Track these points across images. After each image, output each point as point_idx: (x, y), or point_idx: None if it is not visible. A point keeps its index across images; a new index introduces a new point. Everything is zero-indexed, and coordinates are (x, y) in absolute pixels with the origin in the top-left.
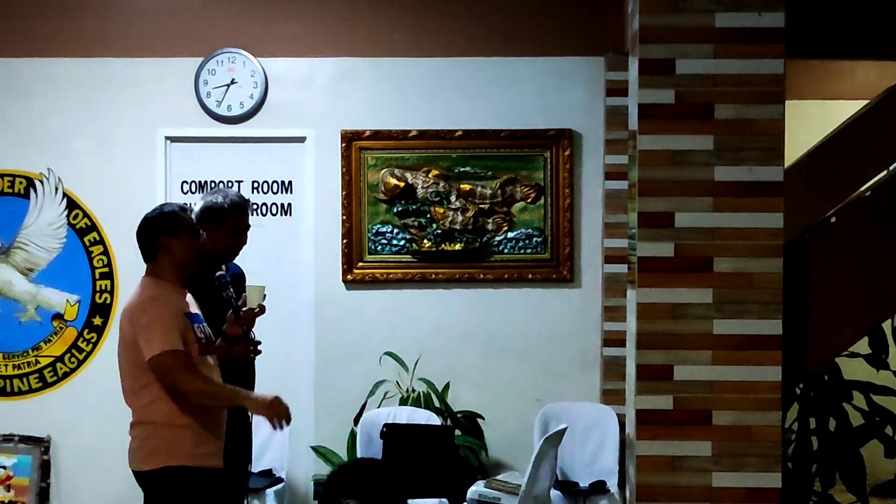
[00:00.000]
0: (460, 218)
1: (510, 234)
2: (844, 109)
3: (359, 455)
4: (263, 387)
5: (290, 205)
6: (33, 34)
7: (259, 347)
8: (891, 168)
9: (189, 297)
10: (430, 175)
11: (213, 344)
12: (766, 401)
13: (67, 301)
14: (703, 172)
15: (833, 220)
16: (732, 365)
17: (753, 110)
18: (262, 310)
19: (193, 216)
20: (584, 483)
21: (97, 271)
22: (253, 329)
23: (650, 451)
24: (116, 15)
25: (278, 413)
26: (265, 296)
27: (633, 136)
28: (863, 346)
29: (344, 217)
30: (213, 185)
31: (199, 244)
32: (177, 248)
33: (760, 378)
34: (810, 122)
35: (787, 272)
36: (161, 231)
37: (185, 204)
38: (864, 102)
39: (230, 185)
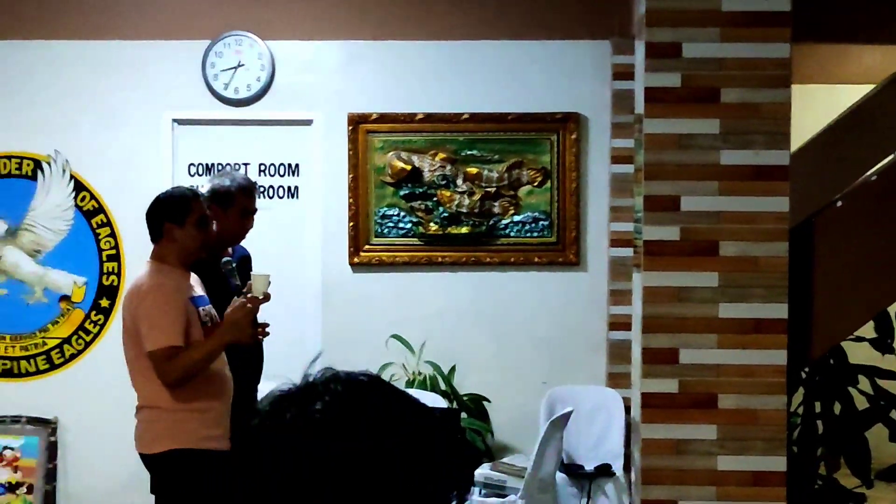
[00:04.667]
0: (467, 201)
1: (517, 218)
2: (851, 94)
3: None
4: (270, 368)
5: (296, 188)
6: (40, 16)
7: (267, 330)
8: None
9: (194, 279)
10: (437, 158)
11: (218, 326)
12: (772, 384)
13: (75, 283)
14: (709, 156)
15: (839, 204)
16: (738, 349)
17: (760, 94)
18: (266, 298)
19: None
20: (589, 466)
21: (104, 253)
22: (257, 315)
23: (655, 435)
24: None
25: (242, 328)
26: (270, 283)
27: (639, 119)
28: (868, 330)
29: (351, 200)
30: (220, 167)
31: (204, 235)
32: (180, 237)
33: (766, 362)
34: (817, 106)
35: (792, 256)
36: (166, 217)
37: (195, 187)
38: (870, 87)
39: (237, 167)
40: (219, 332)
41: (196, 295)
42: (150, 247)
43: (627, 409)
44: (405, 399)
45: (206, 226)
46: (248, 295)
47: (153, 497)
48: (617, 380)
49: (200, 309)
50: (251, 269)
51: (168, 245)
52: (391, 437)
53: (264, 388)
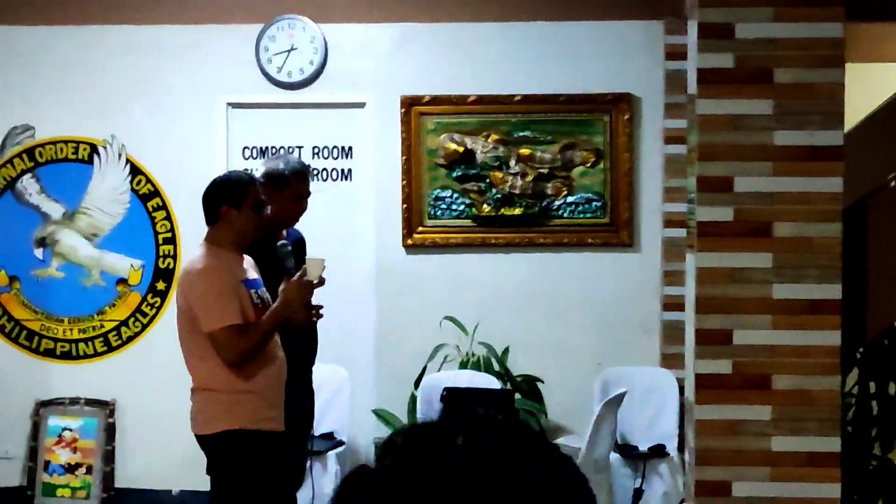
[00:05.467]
0: (520, 182)
1: (570, 199)
2: None
3: (419, 421)
4: (324, 351)
5: (350, 170)
6: (97, 2)
7: (321, 311)
8: None
9: (248, 262)
10: (490, 140)
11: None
12: (826, 365)
13: (131, 266)
14: (762, 137)
15: (893, 184)
16: (792, 329)
17: (813, 74)
18: (321, 282)
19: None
20: (643, 447)
21: (160, 236)
22: (311, 298)
23: (710, 416)
24: None
25: (295, 306)
26: (325, 268)
27: (692, 100)
28: None
29: (404, 182)
30: (273, 151)
31: (260, 219)
32: (236, 220)
33: (820, 342)
34: (871, 85)
35: (846, 237)
36: (224, 200)
37: (250, 171)
38: None
39: (291, 150)
40: (273, 310)
41: (250, 278)
42: (205, 229)
43: (681, 390)
44: (541, 441)
45: (261, 210)
46: (303, 279)
47: (209, 478)
48: (670, 361)
49: (252, 291)
50: (305, 252)
51: (224, 228)
52: (525, 476)
53: (319, 371)
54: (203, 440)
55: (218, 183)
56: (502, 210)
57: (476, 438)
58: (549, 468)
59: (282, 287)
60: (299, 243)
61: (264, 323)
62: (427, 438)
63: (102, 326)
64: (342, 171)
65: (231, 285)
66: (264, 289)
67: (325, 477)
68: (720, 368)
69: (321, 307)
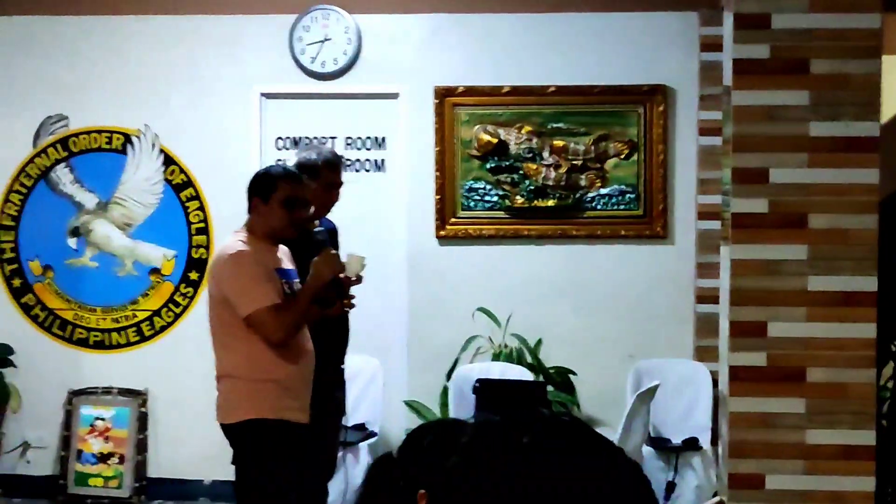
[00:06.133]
0: (553, 174)
1: (603, 191)
2: None
3: (451, 412)
4: (357, 342)
5: (383, 161)
6: None
7: (353, 302)
8: None
9: (284, 252)
10: (523, 131)
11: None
12: (861, 358)
13: (164, 256)
14: (798, 128)
15: None
16: (827, 322)
17: (850, 65)
18: (359, 280)
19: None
20: (676, 440)
21: (193, 227)
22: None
23: (743, 408)
24: None
25: (323, 272)
26: (364, 266)
27: (727, 91)
28: None
29: (437, 173)
30: (307, 141)
31: (292, 217)
32: (264, 213)
33: (855, 335)
34: None
35: (882, 228)
36: (255, 191)
37: (286, 165)
38: None
39: (324, 141)
40: (305, 284)
41: (283, 268)
42: (238, 220)
43: (715, 383)
44: (601, 441)
45: (292, 207)
46: (343, 275)
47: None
48: (704, 353)
49: (283, 282)
50: (338, 242)
51: (255, 218)
52: (591, 479)
53: (351, 362)
54: (226, 429)
55: (257, 174)
56: (535, 201)
57: (542, 439)
58: (612, 472)
59: (313, 261)
60: (332, 233)
61: (300, 299)
62: (494, 436)
63: (135, 316)
64: (375, 161)
65: (261, 269)
66: (298, 281)
67: (356, 468)
68: (754, 361)
69: (353, 297)
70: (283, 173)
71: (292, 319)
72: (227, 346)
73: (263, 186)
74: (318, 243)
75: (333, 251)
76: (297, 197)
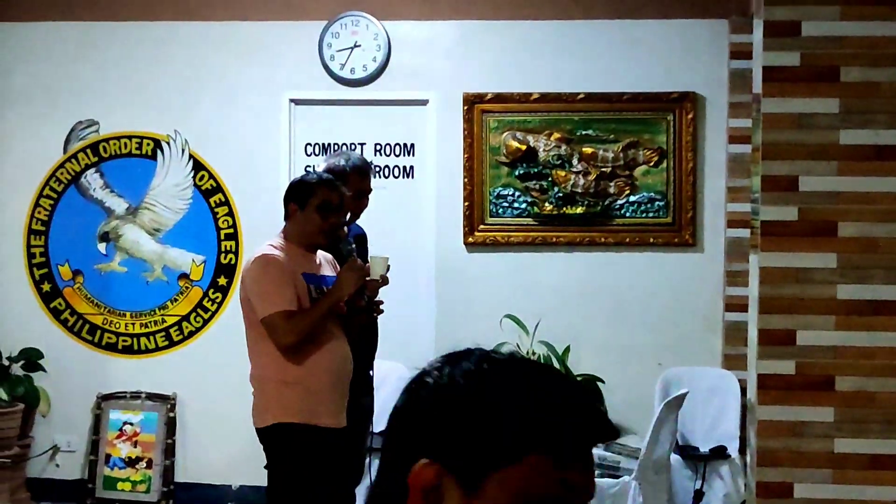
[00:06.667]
0: (582, 181)
1: (632, 198)
2: None
3: None
4: (384, 348)
5: (412, 167)
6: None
7: (381, 307)
8: None
9: (324, 259)
10: (552, 138)
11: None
12: (890, 367)
13: (193, 261)
14: (828, 136)
15: None
16: (856, 330)
17: (880, 73)
18: (384, 281)
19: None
20: (704, 448)
21: (222, 232)
22: (374, 294)
23: (772, 416)
24: None
25: (347, 285)
26: (388, 267)
27: (757, 99)
28: None
29: (466, 180)
30: (336, 147)
31: (328, 224)
32: (301, 219)
33: (885, 343)
34: None
35: None
36: (292, 198)
37: (318, 173)
38: None
39: (353, 147)
40: (327, 292)
41: (316, 273)
42: (267, 226)
43: (743, 391)
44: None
45: (328, 212)
46: (367, 278)
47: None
48: (733, 361)
49: (312, 286)
50: (367, 248)
51: (291, 225)
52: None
53: (379, 368)
54: (259, 433)
55: (292, 182)
56: (564, 209)
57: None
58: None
59: (339, 271)
60: (360, 239)
61: (316, 306)
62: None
63: (164, 321)
64: (404, 168)
65: (286, 275)
66: (325, 287)
67: None
68: (783, 369)
69: (381, 303)
70: (319, 180)
71: (304, 325)
72: (256, 349)
73: (300, 193)
74: (347, 253)
75: (359, 261)
76: (331, 202)
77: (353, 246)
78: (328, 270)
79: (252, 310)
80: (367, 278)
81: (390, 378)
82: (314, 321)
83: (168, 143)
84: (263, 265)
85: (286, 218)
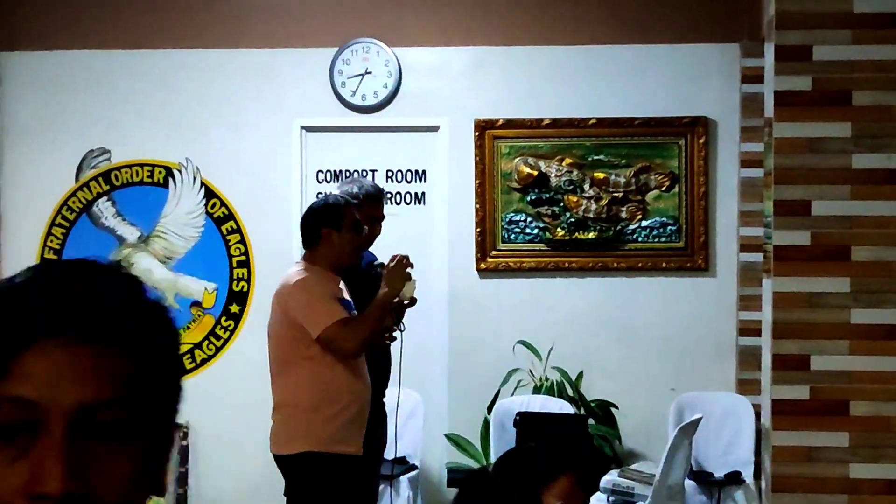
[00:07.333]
0: (594, 206)
1: (644, 223)
2: None
3: (492, 445)
4: (397, 375)
5: (423, 194)
6: (172, 26)
7: (395, 334)
8: None
9: (342, 284)
10: (564, 163)
11: None
12: None
13: (205, 289)
14: (840, 160)
15: None
16: (871, 355)
17: (893, 97)
18: (413, 302)
19: None
20: (718, 473)
21: (234, 259)
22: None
23: (786, 442)
24: (253, 6)
25: (397, 280)
26: (416, 287)
27: (768, 123)
28: None
29: (477, 206)
30: (348, 174)
31: (359, 239)
32: (338, 241)
33: None
34: None
35: None
36: (325, 223)
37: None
38: None
39: (365, 174)
40: (379, 295)
41: (343, 298)
42: (280, 253)
43: (757, 416)
44: None
45: (360, 230)
46: (396, 300)
47: (285, 500)
48: (747, 386)
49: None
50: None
51: (324, 249)
52: None
53: (391, 395)
54: (281, 460)
55: (317, 208)
56: (576, 234)
57: None
58: None
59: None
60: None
61: (372, 309)
62: None
63: None
64: (416, 194)
65: (329, 291)
66: (355, 312)
67: (398, 501)
68: (797, 394)
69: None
70: (345, 200)
71: (365, 329)
72: (286, 376)
73: (334, 216)
74: (377, 272)
75: (401, 256)
76: (359, 220)
77: (382, 269)
78: (347, 295)
79: (290, 336)
80: (396, 300)
81: (403, 406)
82: (372, 326)
83: (180, 171)
84: (306, 287)
85: (313, 244)
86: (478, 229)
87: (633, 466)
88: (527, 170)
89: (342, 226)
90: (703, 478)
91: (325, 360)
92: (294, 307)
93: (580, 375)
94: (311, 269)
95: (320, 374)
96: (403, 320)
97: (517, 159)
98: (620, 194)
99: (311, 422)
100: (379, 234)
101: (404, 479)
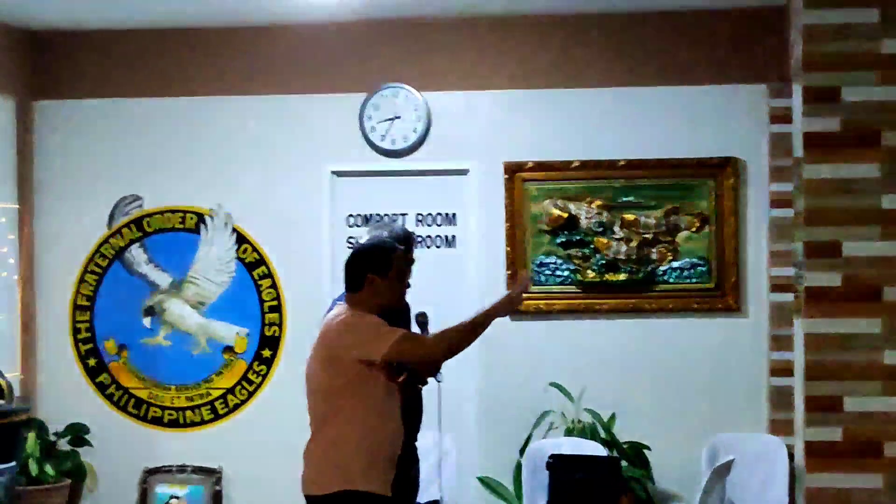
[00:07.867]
0: (624, 248)
1: (675, 264)
2: None
3: (524, 488)
4: (429, 417)
5: (454, 237)
6: (202, 74)
7: (430, 378)
8: None
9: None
10: (593, 205)
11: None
12: None
13: (237, 334)
14: (870, 200)
15: None
16: None
17: None
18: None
19: None
20: None
21: (266, 304)
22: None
23: (820, 484)
24: (284, 53)
25: (514, 302)
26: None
27: (798, 164)
28: None
29: (508, 248)
30: (378, 218)
31: (402, 288)
32: (381, 288)
33: None
34: None
35: None
36: (370, 269)
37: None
38: None
39: (395, 218)
40: (493, 305)
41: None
42: (311, 297)
43: (791, 456)
44: None
45: (404, 279)
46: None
47: None
48: (779, 426)
49: None
50: (409, 320)
51: (368, 294)
52: None
53: (424, 438)
54: (316, 500)
55: (364, 251)
56: (607, 276)
57: None
58: None
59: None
60: (403, 312)
61: (473, 319)
62: None
63: (209, 394)
64: (446, 237)
65: (379, 321)
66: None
67: None
68: (831, 436)
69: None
70: (392, 247)
71: (456, 334)
72: (325, 416)
73: (380, 263)
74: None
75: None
76: (405, 269)
77: (428, 318)
78: None
79: (333, 375)
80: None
81: (435, 448)
82: (467, 331)
83: (211, 217)
84: (352, 321)
85: (359, 288)
86: (508, 272)
87: None
88: (556, 212)
89: (388, 274)
90: None
91: (361, 402)
92: (349, 340)
93: (612, 417)
94: (353, 312)
95: (355, 416)
96: (441, 370)
97: (546, 201)
98: (650, 236)
99: (348, 461)
100: (409, 277)
101: None
